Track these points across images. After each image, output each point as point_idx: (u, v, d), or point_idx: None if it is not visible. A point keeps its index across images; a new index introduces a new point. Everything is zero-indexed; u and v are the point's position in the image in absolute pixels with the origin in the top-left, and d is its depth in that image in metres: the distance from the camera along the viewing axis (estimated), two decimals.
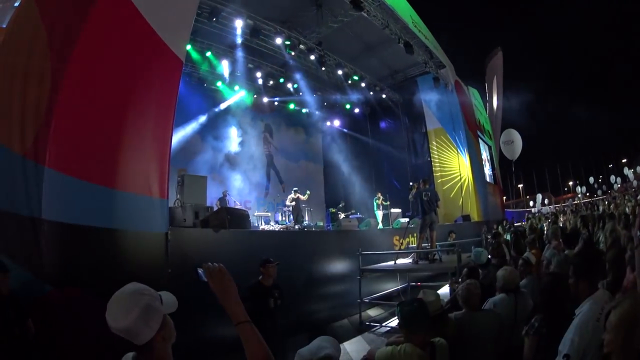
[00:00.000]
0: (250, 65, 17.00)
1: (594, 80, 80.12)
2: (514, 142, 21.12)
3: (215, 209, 10.30)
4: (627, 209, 11.70)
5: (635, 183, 31.79)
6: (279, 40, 14.97)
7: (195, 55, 15.21)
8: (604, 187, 42.44)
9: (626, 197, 22.38)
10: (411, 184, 11.29)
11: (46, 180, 5.42)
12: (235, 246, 8.15)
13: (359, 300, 10.01)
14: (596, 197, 39.76)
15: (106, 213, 5.97)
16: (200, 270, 1.93)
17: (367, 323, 9.85)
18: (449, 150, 21.01)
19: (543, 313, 3.22)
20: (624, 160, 48.00)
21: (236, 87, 17.65)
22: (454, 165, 20.80)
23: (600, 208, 17.05)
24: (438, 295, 3.65)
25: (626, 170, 36.50)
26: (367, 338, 8.90)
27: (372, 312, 10.77)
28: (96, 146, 6.08)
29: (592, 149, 58.17)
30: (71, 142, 5.76)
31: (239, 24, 13.78)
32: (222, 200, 14.63)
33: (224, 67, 16.18)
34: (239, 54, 16.03)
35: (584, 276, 2.85)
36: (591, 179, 42.87)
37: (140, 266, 6.25)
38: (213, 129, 17.16)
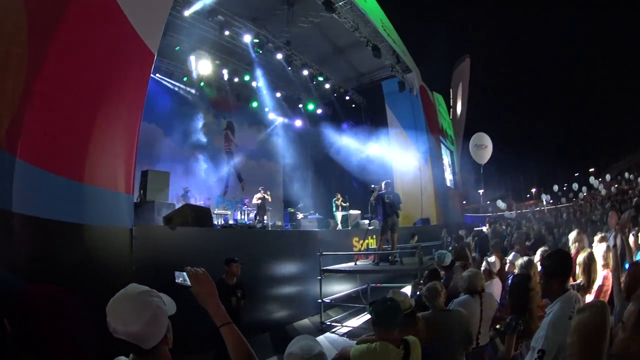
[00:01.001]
0: (217, 62, 17.06)
1: (563, 89, 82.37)
2: (487, 147, 21.81)
3: (178, 206, 10.34)
4: (593, 217, 12.37)
5: (604, 192, 32.98)
6: (247, 38, 15.09)
7: (164, 48, 14.56)
8: (570, 195, 43.87)
9: (592, 205, 23.40)
10: (373, 186, 11.50)
11: (17, 172, 5.43)
12: (198, 244, 8.26)
13: (319, 301, 10.22)
14: (560, 204, 41.13)
15: (75, 207, 6.02)
16: (178, 273, 1.99)
17: (328, 323, 10.10)
18: (409, 154, 21.44)
19: (513, 312, 3.45)
20: (592, 170, 49.45)
21: (201, 83, 17.71)
22: (415, 169, 21.21)
23: (565, 215, 17.65)
24: (407, 295, 3.88)
25: (592, 180, 37.90)
26: (328, 338, 9.12)
27: (333, 313, 11.03)
28: (67, 139, 6.12)
29: (559, 158, 59.94)
30: (43, 134, 5.79)
31: (210, 19, 13.88)
32: (185, 197, 14.69)
33: (192, 62, 16.19)
34: (207, 49, 16.09)
35: (555, 277, 3.01)
36: (555, 187, 44.04)
37: (106, 262, 6.28)
38: (175, 124, 17.12)
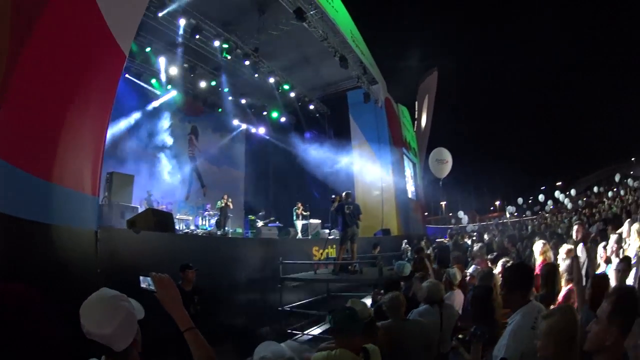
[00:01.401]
0: (185, 65, 17.02)
1: (531, 104, 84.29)
2: (449, 162, 22.38)
3: (141, 209, 10.41)
4: (559, 229, 12.81)
5: (570, 206, 33.75)
6: (217, 43, 15.21)
7: (134, 48, 14.67)
8: (535, 208, 44.83)
9: (558, 218, 24.06)
10: (333, 196, 11.69)
11: None
12: (161, 249, 8.30)
13: (280, 309, 10.36)
14: (525, 217, 42.06)
15: (43, 206, 6.02)
16: (143, 278, 2.08)
17: (289, 331, 10.21)
18: (371, 165, 21.84)
19: (475, 322, 3.50)
20: (559, 183, 50.38)
21: (169, 86, 17.58)
22: (376, 180, 21.64)
23: (529, 228, 17.93)
24: (365, 304, 3.97)
25: (558, 194, 38.88)
26: (290, 346, 9.09)
27: (294, 320, 11.05)
28: (39, 137, 6.11)
29: (526, 171, 60.73)
30: (16, 130, 5.74)
31: (182, 22, 13.85)
32: (148, 200, 14.62)
33: (161, 64, 16.07)
34: (177, 52, 15.97)
35: (516, 288, 3.13)
36: (520, 200, 44.95)
37: (71, 263, 6.27)
38: (140, 126, 16.89)
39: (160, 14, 13.36)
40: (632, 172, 40.76)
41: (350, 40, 18.06)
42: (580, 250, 6.25)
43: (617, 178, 37.88)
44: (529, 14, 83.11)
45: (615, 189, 33.66)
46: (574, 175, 54.10)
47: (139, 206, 11.71)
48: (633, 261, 5.40)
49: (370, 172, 21.79)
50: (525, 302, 3.07)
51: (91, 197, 7.06)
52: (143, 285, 2.07)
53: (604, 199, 30.95)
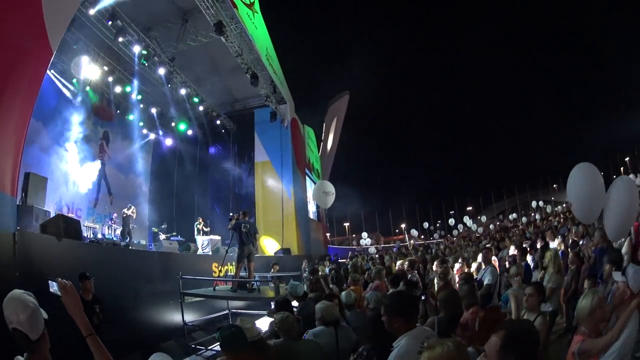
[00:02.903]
0: (105, 68, 16.97)
1: (443, 129, 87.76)
2: (334, 194, 23.55)
3: (52, 214, 10.42)
4: (465, 253, 13.44)
5: (479, 230, 35.62)
6: (137, 48, 15.40)
7: (64, 45, 14.29)
8: (442, 232, 46.94)
9: (465, 242, 25.10)
10: (231, 214, 11.77)
11: None
12: (72, 256, 8.42)
13: (182, 323, 10.54)
14: (432, 239, 43.93)
15: None
16: (51, 282, 2.31)
17: (193, 346, 10.49)
18: (273, 184, 22.78)
19: (368, 344, 3.61)
20: (469, 209, 52.67)
21: (87, 87, 17.37)
22: (277, 199, 22.49)
23: (434, 251, 18.51)
24: (254, 322, 3.91)
25: (466, 219, 41.15)
26: None
27: (197, 335, 11.38)
28: None
29: (434, 195, 62.52)
30: None
31: (110, 22, 13.97)
32: (58, 204, 14.57)
33: (82, 63, 16.17)
34: (100, 53, 16.06)
35: (397, 314, 3.20)
36: (426, 224, 46.92)
37: None
38: (54, 127, 16.38)
39: (91, 12, 13.45)
40: (552, 199, 43.73)
41: (265, 58, 18.93)
42: (488, 272, 7.15)
43: (533, 204, 40.47)
44: (448, 38, 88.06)
45: (532, 214, 36.20)
46: (488, 201, 56.98)
47: (50, 210, 11.62)
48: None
49: (272, 191, 22.64)
50: (410, 327, 3.16)
51: (10, 197, 7.05)
52: (52, 289, 2.32)
53: (519, 224, 33.23)
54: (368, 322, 3.79)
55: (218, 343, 3.41)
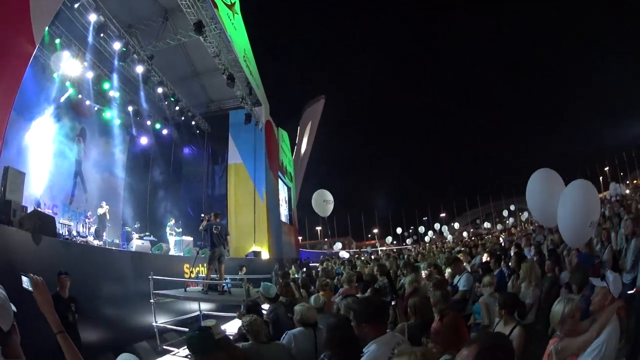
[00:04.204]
0: (85, 64, 16.68)
1: (417, 136, 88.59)
2: (332, 202, 23.47)
3: (29, 210, 10.45)
4: (438, 260, 13.37)
5: (450, 237, 35.99)
6: (117, 45, 15.26)
7: (46, 39, 14.10)
8: (414, 237, 47.46)
9: (439, 249, 25.70)
10: (202, 215, 12.18)
11: None
12: (48, 254, 8.49)
13: (154, 324, 10.64)
14: (405, 245, 44.76)
15: None
16: (24, 278, 2.32)
17: (165, 347, 10.56)
18: (246, 186, 23.20)
19: (329, 350, 3.55)
20: (442, 215, 53.98)
21: (67, 83, 17.09)
22: (249, 202, 22.87)
23: (406, 256, 18.28)
24: (217, 322, 3.84)
25: (438, 226, 41.53)
26: None
27: (169, 337, 11.40)
28: None
29: (407, 201, 62.56)
30: None
31: (92, 17, 14.01)
32: (36, 201, 14.54)
33: (64, 59, 15.75)
34: (81, 48, 15.88)
35: (365, 321, 3.23)
36: (399, 229, 47.38)
37: None
38: (31, 121, 16.03)
39: (76, 5, 13.38)
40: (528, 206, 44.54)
41: (242, 59, 19.25)
42: (463, 278, 7.35)
43: (505, 213, 41.50)
44: (426, 46, 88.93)
45: (507, 221, 36.67)
46: (462, 208, 57.71)
47: (27, 206, 11.42)
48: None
49: (244, 193, 23.02)
50: (380, 333, 3.19)
51: None
52: (25, 285, 2.34)
53: (494, 231, 33.66)
54: (329, 327, 3.65)
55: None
